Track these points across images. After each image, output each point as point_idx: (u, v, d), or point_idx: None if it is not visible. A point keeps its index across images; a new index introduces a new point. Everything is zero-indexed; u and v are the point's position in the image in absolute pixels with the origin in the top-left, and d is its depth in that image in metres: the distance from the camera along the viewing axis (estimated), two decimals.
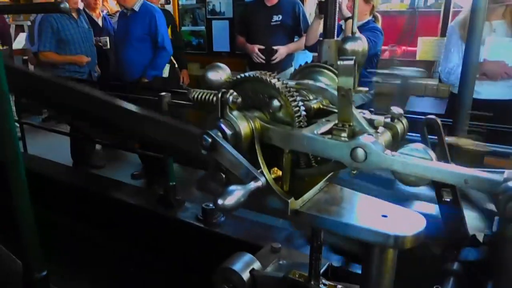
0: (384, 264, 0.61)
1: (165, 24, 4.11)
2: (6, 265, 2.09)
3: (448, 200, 1.04)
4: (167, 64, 4.24)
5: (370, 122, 0.59)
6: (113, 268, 2.37)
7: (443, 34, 4.83)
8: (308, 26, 4.02)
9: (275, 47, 3.83)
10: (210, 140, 0.58)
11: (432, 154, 0.52)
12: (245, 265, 1.07)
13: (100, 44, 4.69)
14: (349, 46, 0.69)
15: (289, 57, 4.02)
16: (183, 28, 5.35)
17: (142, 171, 4.31)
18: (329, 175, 0.72)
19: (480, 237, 1.00)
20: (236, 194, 0.54)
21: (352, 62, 0.54)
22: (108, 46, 4.77)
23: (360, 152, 0.54)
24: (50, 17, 4.00)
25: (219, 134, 0.58)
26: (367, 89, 0.67)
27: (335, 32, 0.80)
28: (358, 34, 0.70)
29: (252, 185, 0.56)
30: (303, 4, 5.00)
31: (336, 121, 0.59)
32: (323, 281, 0.96)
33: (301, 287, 0.96)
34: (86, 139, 4.04)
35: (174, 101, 2.95)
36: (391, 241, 0.56)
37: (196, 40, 5.36)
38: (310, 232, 0.91)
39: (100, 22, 4.78)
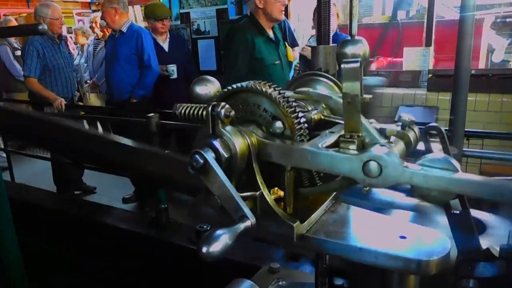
0: None
1: (151, 43, 4.11)
2: None
3: (458, 212, 0.98)
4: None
5: (381, 132, 0.53)
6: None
7: (428, 44, 4.86)
8: (294, 39, 4.00)
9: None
10: (202, 161, 0.50)
11: (457, 164, 0.45)
12: None
13: (166, 73, 4.18)
14: (349, 50, 0.63)
15: None
16: None
17: (133, 194, 4.24)
18: (335, 193, 0.65)
19: (496, 252, 0.93)
20: (222, 239, 0.47)
21: (358, 65, 0.48)
22: (175, 75, 4.22)
23: (373, 165, 0.47)
24: (35, 42, 4.02)
25: (212, 154, 0.50)
26: (371, 96, 0.60)
27: (330, 38, 0.75)
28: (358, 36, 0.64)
29: (240, 226, 0.49)
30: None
31: (343, 132, 0.52)
32: None
33: None
34: (73, 164, 3.93)
35: (163, 121, 2.89)
36: (413, 267, 0.49)
37: None
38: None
39: (166, 47, 4.41)
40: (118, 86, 4.12)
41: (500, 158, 1.81)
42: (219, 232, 0.47)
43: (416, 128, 0.59)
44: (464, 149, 1.84)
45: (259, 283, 1.13)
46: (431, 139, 0.71)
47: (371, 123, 0.57)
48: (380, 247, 0.51)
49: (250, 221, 0.49)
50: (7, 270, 1.60)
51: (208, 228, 1.74)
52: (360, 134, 0.51)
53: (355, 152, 0.50)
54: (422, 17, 5.41)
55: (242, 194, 0.55)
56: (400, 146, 0.53)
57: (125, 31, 4.07)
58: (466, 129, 1.82)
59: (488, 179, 0.43)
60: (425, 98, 4.32)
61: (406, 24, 5.67)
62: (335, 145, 0.54)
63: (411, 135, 0.57)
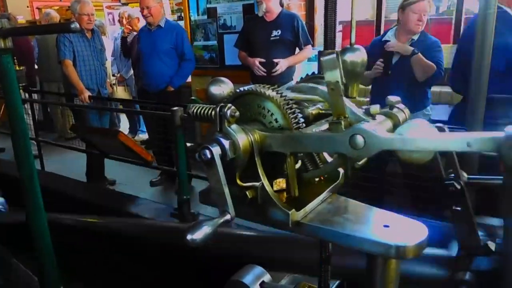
0: (387, 275, 0.60)
1: (188, 38, 4.47)
2: (24, 282, 2.12)
3: (459, 209, 1.03)
4: None
5: (367, 112, 0.60)
6: (129, 284, 2.37)
7: (456, 41, 4.79)
8: (307, 39, 4.04)
9: (275, 60, 3.90)
10: (209, 156, 0.58)
11: (432, 127, 0.52)
12: (255, 278, 1.07)
13: None
14: (348, 57, 0.69)
15: (290, 69, 4.08)
16: (195, 43, 5.42)
17: (161, 177, 4.43)
18: (332, 186, 0.72)
19: (493, 246, 0.98)
20: (204, 229, 0.56)
21: (334, 56, 0.55)
22: None
23: (358, 138, 0.54)
24: (66, 35, 4.26)
25: (218, 149, 0.58)
26: (368, 99, 0.67)
27: (335, 44, 0.81)
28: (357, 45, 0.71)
29: (220, 219, 0.58)
30: (313, 15, 5.05)
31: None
32: None
33: None
34: (101, 156, 4.11)
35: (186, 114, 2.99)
36: (392, 251, 0.55)
37: (208, 54, 5.41)
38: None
39: None
40: (157, 78, 4.38)
41: None
42: (201, 223, 0.57)
43: (406, 110, 0.65)
44: None
45: (274, 274, 1.19)
46: None
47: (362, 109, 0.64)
48: (365, 234, 0.58)
49: (230, 215, 0.59)
50: (40, 257, 1.69)
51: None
52: (346, 116, 0.58)
53: (342, 130, 0.57)
54: (452, 13, 5.31)
55: (245, 184, 0.63)
56: (386, 123, 0.60)
57: (163, 25, 4.35)
58: None
59: (458, 134, 0.49)
60: (451, 96, 4.27)
61: (435, 20, 5.57)
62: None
63: (400, 115, 0.63)
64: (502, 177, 0.79)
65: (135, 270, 2.41)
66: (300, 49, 4.08)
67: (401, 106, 0.66)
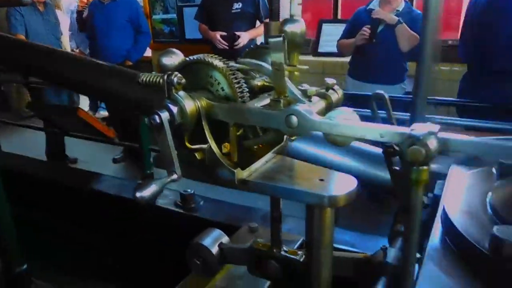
0: (323, 222, 0.68)
1: (142, 11, 4.47)
2: None
3: (398, 168, 1.12)
4: None
5: (304, 93, 0.66)
6: (93, 260, 2.40)
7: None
8: (267, 11, 4.06)
9: (237, 33, 3.92)
10: (158, 121, 0.63)
11: (355, 115, 0.58)
12: (214, 240, 1.13)
13: None
14: (289, 28, 0.74)
15: (251, 42, 4.12)
16: (154, 17, 5.31)
17: (123, 154, 4.42)
18: (276, 148, 0.78)
19: (426, 200, 1.08)
20: (152, 187, 0.61)
21: (281, 39, 0.60)
22: None
23: (293, 118, 0.61)
24: (16, 8, 4.12)
25: (167, 114, 0.63)
26: (307, 67, 0.73)
27: (279, 14, 0.86)
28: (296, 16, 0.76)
29: (168, 178, 0.64)
30: None
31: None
32: (284, 248, 1.03)
33: (263, 255, 1.03)
34: (61, 133, 4.03)
35: None
36: (326, 201, 0.63)
37: (168, 28, 5.33)
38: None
39: None
40: (113, 52, 4.34)
41: (458, 125, 1.96)
42: (150, 182, 0.62)
43: (340, 91, 0.72)
44: (427, 115, 1.98)
45: (238, 240, 1.25)
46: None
47: (302, 86, 0.70)
48: (303, 187, 0.65)
49: (177, 175, 0.64)
50: (2, 238, 1.68)
51: (192, 192, 1.87)
52: (287, 95, 0.64)
53: (281, 108, 0.63)
54: None
55: (194, 147, 0.68)
56: (320, 104, 0.67)
57: None
58: (428, 98, 1.95)
59: (374, 125, 0.57)
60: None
61: None
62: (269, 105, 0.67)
63: (334, 96, 0.70)
64: None
65: (94, 241, 2.44)
66: (261, 22, 4.11)
67: (336, 87, 0.73)
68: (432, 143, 0.52)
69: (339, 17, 5.12)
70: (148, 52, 4.99)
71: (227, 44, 3.96)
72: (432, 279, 0.65)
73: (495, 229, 0.65)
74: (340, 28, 3.92)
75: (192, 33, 5.12)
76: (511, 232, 0.64)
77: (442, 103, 2.17)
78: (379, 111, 1.00)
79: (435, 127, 0.54)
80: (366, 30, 3.27)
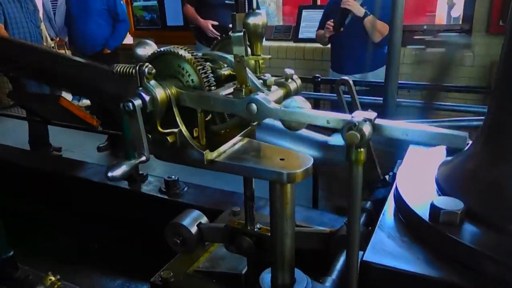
0: (284, 197, 0.76)
1: None
2: None
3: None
4: None
5: (265, 83, 0.73)
6: (79, 245, 2.45)
7: None
8: (258, 5, 4.07)
9: (231, 25, 3.93)
10: (132, 108, 0.69)
11: (307, 104, 0.66)
12: (193, 220, 1.20)
13: None
14: (251, 20, 0.80)
15: None
16: (134, 4, 5.28)
17: (107, 142, 4.45)
18: (244, 131, 0.85)
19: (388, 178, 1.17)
20: (122, 168, 0.69)
21: (242, 34, 0.67)
22: None
23: (253, 106, 0.67)
24: None
25: (139, 101, 0.69)
26: (269, 56, 0.80)
27: (246, 7, 0.92)
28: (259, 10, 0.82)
29: (137, 160, 0.71)
30: None
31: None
32: (258, 225, 1.11)
33: (238, 232, 1.11)
34: (43, 122, 4.02)
35: None
36: (284, 177, 0.70)
37: (149, 15, 5.31)
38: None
39: None
40: (91, 39, 4.34)
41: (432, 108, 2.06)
42: (120, 163, 0.69)
43: (298, 80, 0.79)
44: (398, 99, 2.07)
45: (221, 223, 1.31)
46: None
47: (265, 76, 0.77)
48: (265, 166, 0.73)
49: (145, 157, 0.72)
50: None
51: (176, 178, 1.92)
52: (248, 84, 0.71)
53: (242, 97, 0.70)
54: None
55: (165, 131, 0.75)
56: (278, 93, 0.74)
57: None
58: (399, 82, 2.04)
59: (324, 112, 0.64)
60: None
61: None
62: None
63: (292, 85, 0.77)
64: None
65: (79, 227, 2.49)
66: None
67: (295, 77, 0.80)
68: (367, 129, 0.59)
69: (318, 3, 5.16)
70: (130, 39, 4.97)
71: (218, 34, 3.96)
72: (379, 244, 0.74)
73: (434, 200, 0.74)
74: (319, 14, 3.97)
75: (173, 20, 5.12)
76: (448, 202, 0.73)
77: (414, 87, 2.27)
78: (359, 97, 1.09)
79: (372, 115, 0.61)
80: (330, 24, 3.36)
